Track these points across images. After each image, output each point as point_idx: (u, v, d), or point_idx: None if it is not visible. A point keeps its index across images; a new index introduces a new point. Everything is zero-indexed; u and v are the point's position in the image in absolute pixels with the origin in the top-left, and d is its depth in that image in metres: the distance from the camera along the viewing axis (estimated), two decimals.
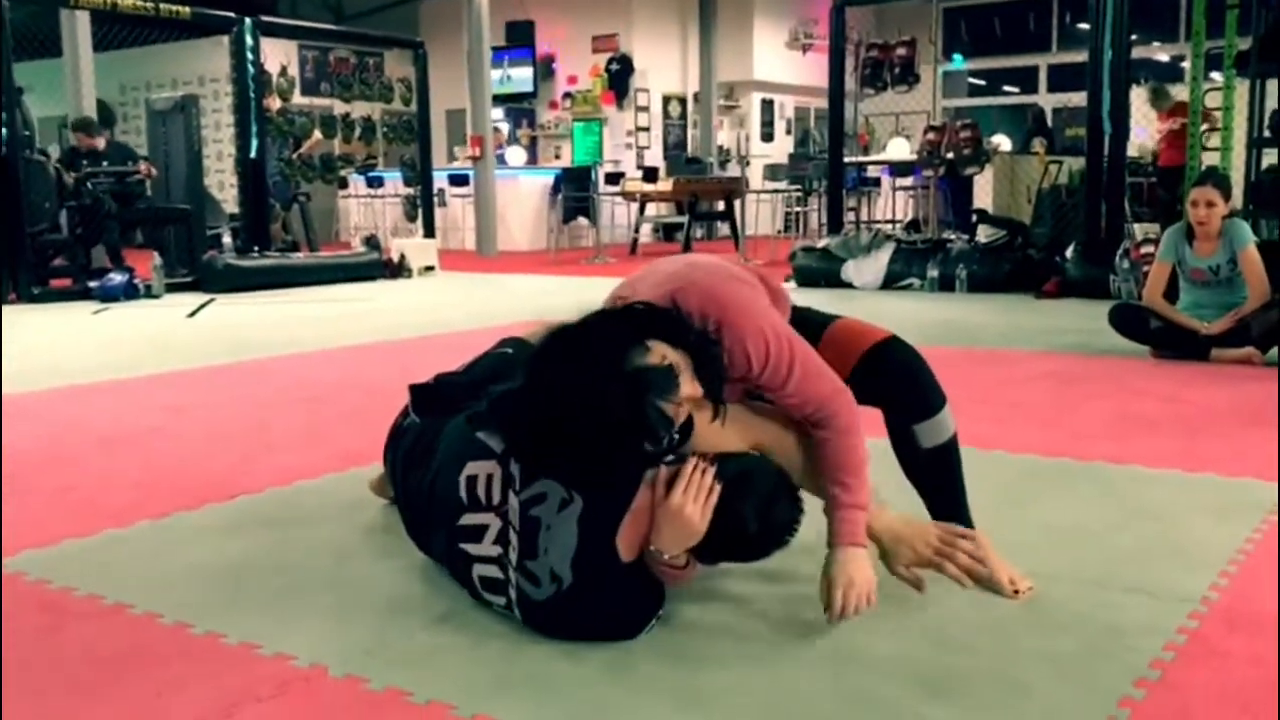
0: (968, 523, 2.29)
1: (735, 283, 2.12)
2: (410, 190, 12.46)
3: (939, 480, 2.30)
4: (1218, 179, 5.25)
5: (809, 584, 2.26)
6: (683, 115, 17.46)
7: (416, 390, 2.49)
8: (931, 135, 10.10)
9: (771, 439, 2.15)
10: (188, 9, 9.38)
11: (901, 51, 10.07)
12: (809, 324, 2.33)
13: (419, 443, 2.32)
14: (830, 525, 2.09)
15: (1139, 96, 9.55)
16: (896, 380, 2.26)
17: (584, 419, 1.84)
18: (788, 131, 18.46)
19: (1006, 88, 18.10)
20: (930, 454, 2.25)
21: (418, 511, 2.29)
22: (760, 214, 14.50)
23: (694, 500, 1.92)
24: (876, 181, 13.09)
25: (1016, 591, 2.19)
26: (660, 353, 1.90)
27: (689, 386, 1.92)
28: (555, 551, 1.93)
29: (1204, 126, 8.39)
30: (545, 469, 1.97)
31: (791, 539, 2.02)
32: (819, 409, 2.08)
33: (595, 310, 2.02)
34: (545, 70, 17.11)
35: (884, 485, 2.30)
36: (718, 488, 1.94)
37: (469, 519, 2.04)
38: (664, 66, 16.94)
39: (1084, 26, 10.63)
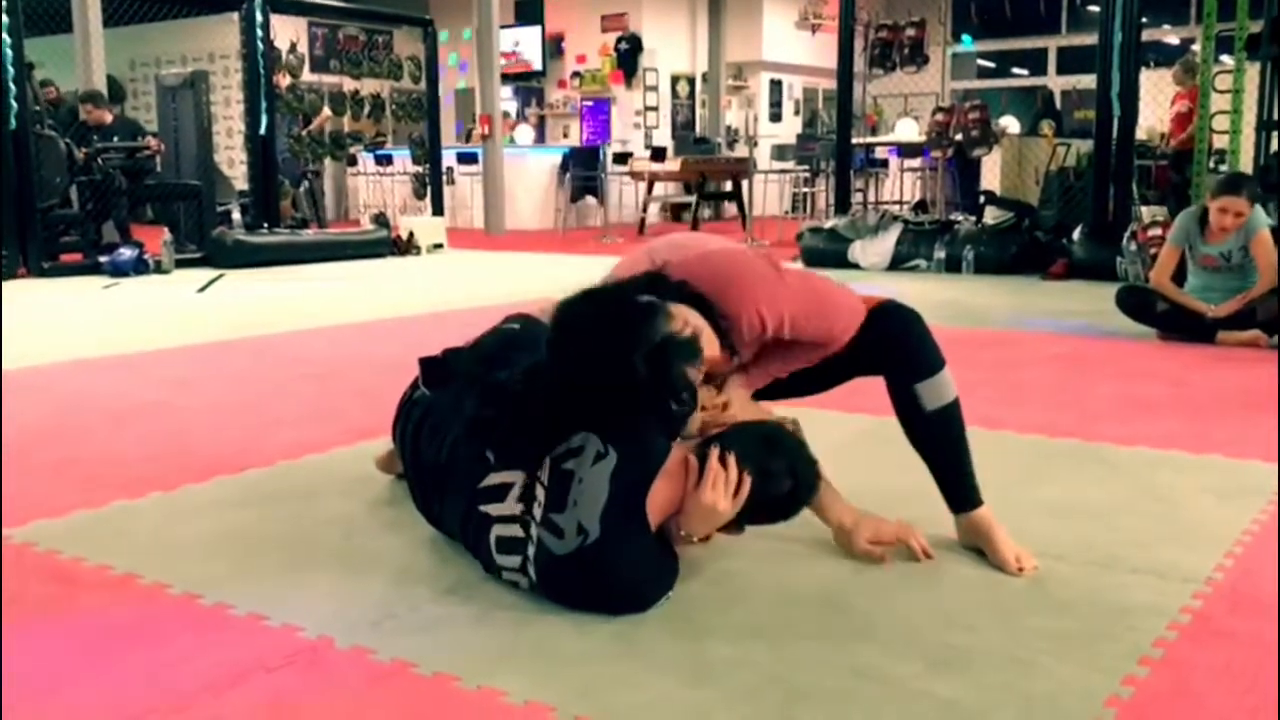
0: (975, 492, 2.30)
1: (724, 252, 2.25)
2: (419, 168, 12.45)
3: (944, 446, 2.30)
4: (1250, 187, 5.11)
5: (815, 559, 2.28)
6: (691, 95, 17.40)
7: (426, 364, 2.50)
8: (940, 116, 10.08)
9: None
10: None
11: (911, 32, 10.03)
12: None
13: (430, 415, 2.33)
14: None
15: (1148, 79, 9.47)
16: (896, 340, 2.28)
17: (611, 386, 1.93)
18: (796, 112, 18.42)
19: (1015, 70, 18.02)
20: (934, 417, 2.26)
21: (429, 482, 2.30)
22: (768, 194, 14.44)
23: (724, 495, 1.97)
24: (884, 163, 13.06)
25: (1021, 570, 2.20)
26: (683, 317, 1.99)
27: (710, 349, 2.04)
28: (585, 504, 1.94)
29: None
30: (551, 440, 2.01)
31: (816, 495, 2.06)
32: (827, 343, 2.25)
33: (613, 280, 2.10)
34: (554, 49, 17.05)
35: (885, 464, 2.32)
36: (748, 479, 1.98)
37: (494, 479, 2.06)
38: (673, 46, 16.88)
39: (1094, 9, 10.57)
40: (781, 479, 2.01)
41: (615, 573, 1.96)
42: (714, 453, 1.98)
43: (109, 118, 9.59)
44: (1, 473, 2.88)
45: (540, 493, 1.99)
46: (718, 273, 2.16)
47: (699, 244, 2.28)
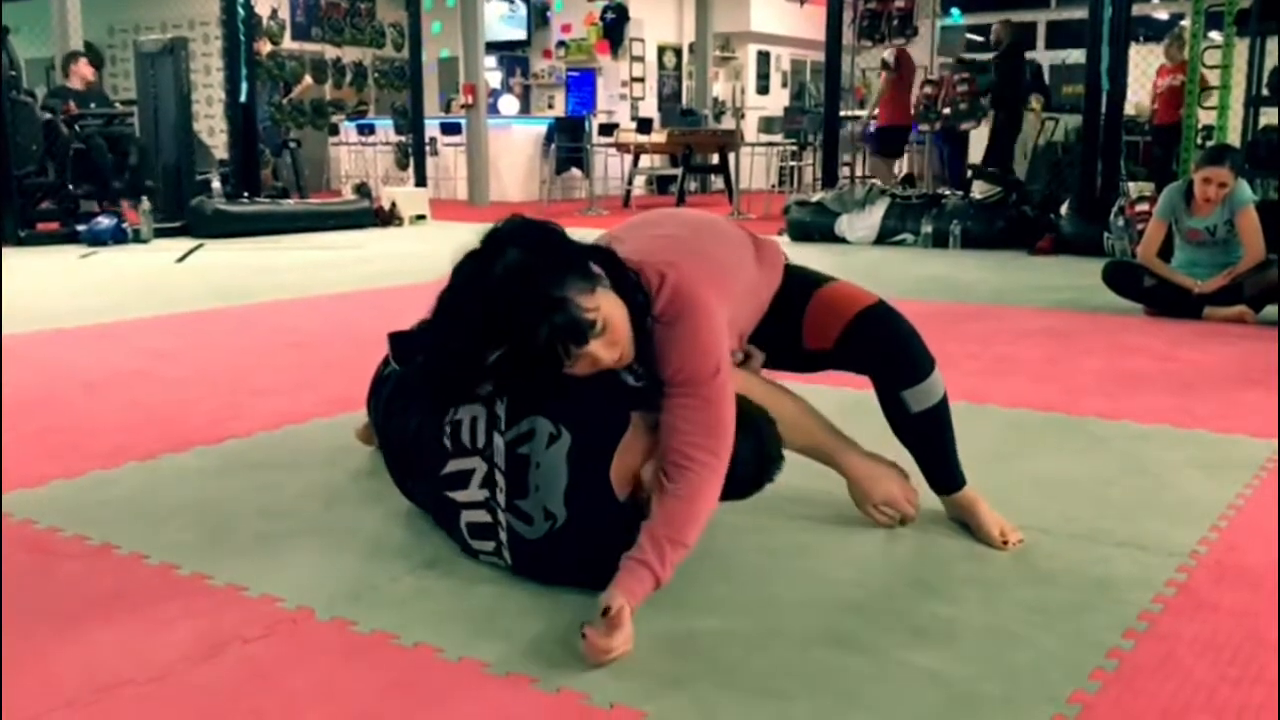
0: (959, 477, 2.29)
1: (713, 284, 2.01)
2: (401, 138, 12.35)
3: (929, 441, 2.30)
4: (1234, 158, 5.12)
5: (793, 530, 2.27)
6: (678, 66, 17.31)
7: (395, 339, 2.46)
8: (928, 89, 10.04)
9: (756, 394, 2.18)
10: None
11: (900, 4, 9.99)
12: (800, 284, 2.34)
13: (398, 391, 2.30)
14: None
15: (1137, 53, 9.45)
16: (883, 348, 2.25)
17: (483, 320, 1.91)
18: (784, 84, 18.34)
19: None
20: (919, 417, 2.24)
21: (401, 459, 2.27)
22: (755, 167, 14.39)
23: None
24: None
25: (1006, 543, 2.19)
26: (602, 302, 1.84)
27: (607, 351, 1.84)
28: (546, 489, 1.91)
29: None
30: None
31: (779, 472, 2.05)
32: (707, 436, 1.89)
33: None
34: (539, 18, 16.92)
35: (869, 438, 2.30)
36: None
37: (454, 465, 2.02)
38: (660, 16, 16.77)
39: None
40: (745, 462, 1.96)
41: (590, 551, 1.94)
42: None
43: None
44: (1, 442, 2.85)
45: (500, 479, 1.96)
46: (688, 306, 1.93)
47: (675, 224, 2.24)
